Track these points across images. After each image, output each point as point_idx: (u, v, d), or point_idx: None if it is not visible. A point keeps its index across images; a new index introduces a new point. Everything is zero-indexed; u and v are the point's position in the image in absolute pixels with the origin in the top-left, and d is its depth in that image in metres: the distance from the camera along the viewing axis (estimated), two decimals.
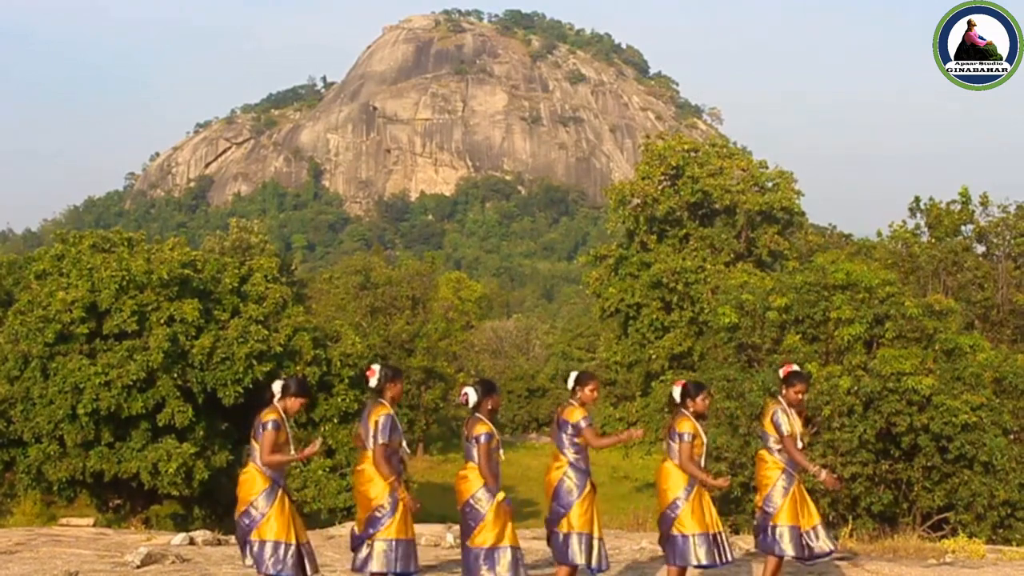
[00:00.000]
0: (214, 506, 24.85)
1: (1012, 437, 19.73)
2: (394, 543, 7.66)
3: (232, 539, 12.28)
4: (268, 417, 7.70)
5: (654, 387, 34.45)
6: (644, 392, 36.25)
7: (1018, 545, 14.48)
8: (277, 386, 7.87)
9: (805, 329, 21.44)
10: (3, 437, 23.93)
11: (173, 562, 10.23)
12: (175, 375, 22.83)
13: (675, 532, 8.22)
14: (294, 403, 7.81)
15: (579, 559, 8.05)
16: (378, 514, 7.68)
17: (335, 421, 24.88)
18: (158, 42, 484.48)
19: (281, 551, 7.57)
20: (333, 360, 25.32)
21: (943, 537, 15.39)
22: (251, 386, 23.17)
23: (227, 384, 23.12)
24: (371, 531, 7.69)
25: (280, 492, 7.71)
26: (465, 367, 53.20)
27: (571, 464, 8.13)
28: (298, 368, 24.06)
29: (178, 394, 22.80)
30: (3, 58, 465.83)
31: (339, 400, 24.97)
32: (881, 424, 19.33)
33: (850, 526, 16.75)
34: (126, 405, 22.34)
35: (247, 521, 7.70)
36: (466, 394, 7.98)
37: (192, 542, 11.68)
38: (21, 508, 27.18)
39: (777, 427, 8.56)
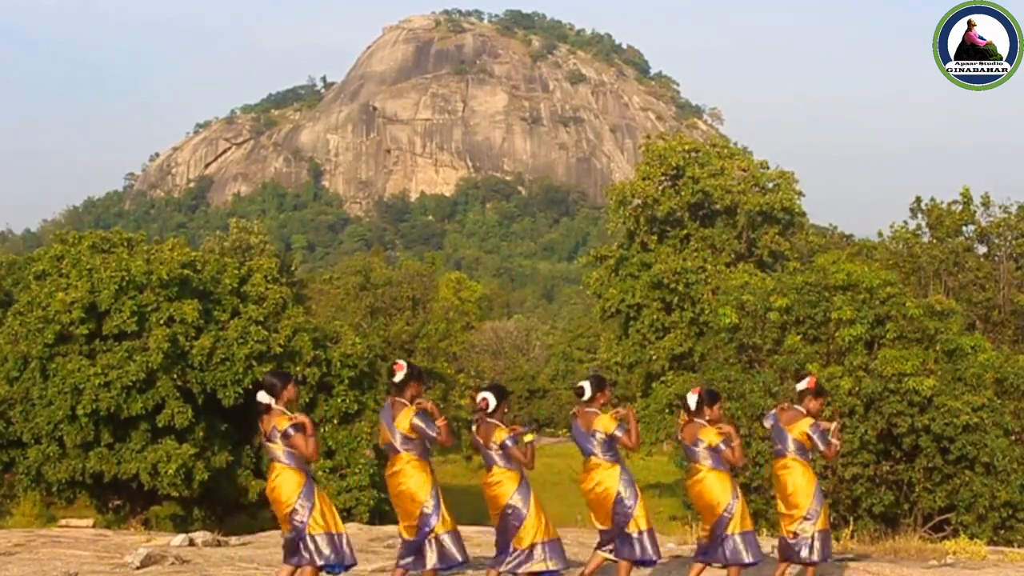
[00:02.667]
0: (214, 507, 24.83)
1: (1013, 438, 19.72)
2: (451, 535, 7.73)
3: (232, 540, 12.25)
4: (284, 424, 7.49)
5: (655, 388, 34.47)
6: (645, 393, 36.25)
7: (1019, 546, 14.45)
8: (263, 396, 7.61)
9: (806, 330, 21.43)
10: (2, 438, 23.91)
11: (173, 563, 10.19)
12: (175, 376, 22.80)
13: (731, 532, 8.23)
14: (290, 392, 7.67)
15: (653, 555, 8.16)
16: (427, 510, 7.70)
17: (335, 422, 24.85)
18: (158, 42, 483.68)
19: (337, 541, 7.47)
20: (333, 361, 25.28)
21: (944, 538, 15.36)
22: (251, 387, 23.11)
23: (227, 385, 23.09)
24: (426, 530, 7.70)
25: (315, 484, 7.64)
26: (465, 368, 53.14)
27: (622, 466, 8.19)
28: (298, 369, 24.03)
29: (178, 395, 22.77)
30: (3, 58, 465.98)
31: (339, 401, 24.93)
32: (882, 425, 19.32)
33: (851, 527, 16.73)
34: (126, 406, 22.31)
35: (299, 520, 7.41)
36: (485, 399, 7.94)
37: (192, 543, 11.64)
38: (20, 509, 27.17)
39: (815, 440, 8.61)
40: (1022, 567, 10.87)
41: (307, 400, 24.17)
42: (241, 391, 23.07)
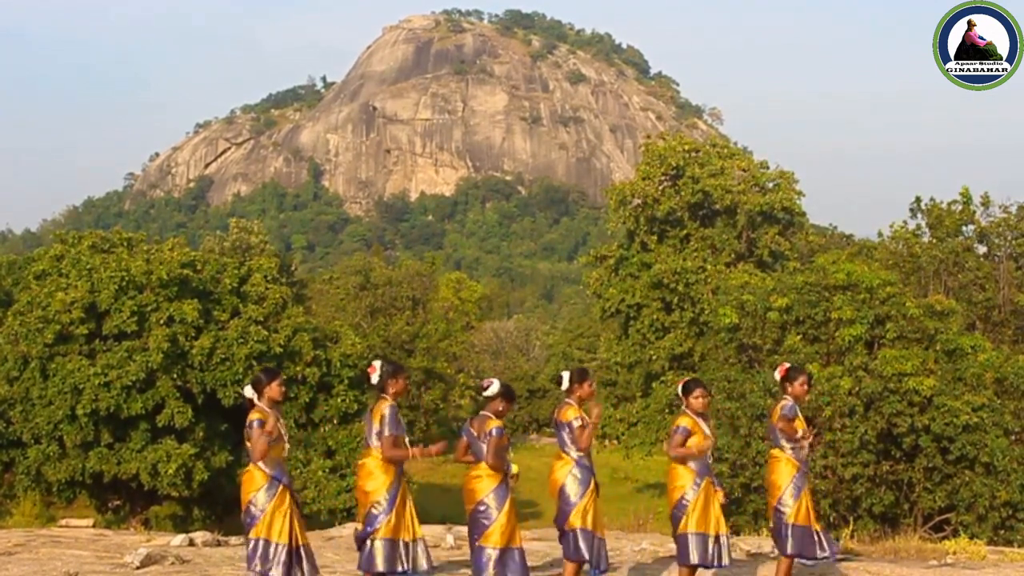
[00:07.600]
0: (214, 507, 24.83)
1: (1013, 438, 19.69)
2: (389, 543, 7.63)
3: (232, 540, 12.26)
4: (253, 416, 7.65)
5: (655, 388, 34.48)
6: (645, 393, 36.25)
7: (1019, 546, 14.46)
8: (248, 391, 7.81)
9: (806, 330, 21.41)
10: (2, 438, 23.89)
11: (173, 563, 10.19)
12: (175, 376, 22.79)
13: (680, 531, 8.33)
14: (273, 390, 7.76)
15: (585, 555, 8.11)
16: (375, 511, 7.66)
17: (335, 422, 24.82)
18: (158, 42, 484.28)
19: (271, 550, 7.47)
20: (333, 361, 25.26)
21: (944, 538, 15.35)
22: None
23: (227, 385, 23.08)
24: (368, 529, 7.67)
25: (280, 488, 7.62)
26: (465, 368, 53.14)
27: (576, 462, 8.21)
28: (298, 368, 24.02)
29: (178, 395, 22.76)
30: (3, 58, 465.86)
31: (339, 401, 24.91)
32: (882, 425, 19.30)
33: (851, 527, 16.76)
34: (125, 406, 22.30)
35: (248, 520, 7.58)
36: (490, 381, 8.05)
37: (192, 543, 11.64)
38: (20, 509, 27.11)
39: (784, 416, 8.60)
40: (1022, 567, 10.88)
41: (307, 400, 24.18)
42: (241, 391, 23.05)
